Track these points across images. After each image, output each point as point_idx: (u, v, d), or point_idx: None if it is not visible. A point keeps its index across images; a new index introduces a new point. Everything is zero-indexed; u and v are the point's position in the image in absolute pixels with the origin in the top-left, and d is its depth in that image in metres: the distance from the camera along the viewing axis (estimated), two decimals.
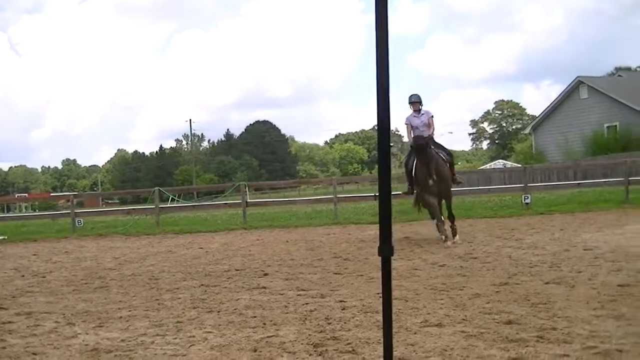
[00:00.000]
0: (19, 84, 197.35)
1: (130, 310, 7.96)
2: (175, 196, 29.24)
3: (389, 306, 3.46)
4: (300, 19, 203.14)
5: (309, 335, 6.09)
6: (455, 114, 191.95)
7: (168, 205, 27.31)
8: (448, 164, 14.55)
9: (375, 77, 3.41)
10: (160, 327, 6.88)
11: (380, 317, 6.07)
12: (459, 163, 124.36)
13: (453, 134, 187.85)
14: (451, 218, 14.38)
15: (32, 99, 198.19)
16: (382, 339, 3.74)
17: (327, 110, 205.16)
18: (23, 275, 12.31)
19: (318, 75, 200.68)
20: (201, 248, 15.98)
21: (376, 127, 3.44)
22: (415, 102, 14.86)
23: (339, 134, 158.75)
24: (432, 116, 14.93)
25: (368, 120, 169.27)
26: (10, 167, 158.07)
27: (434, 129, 14.87)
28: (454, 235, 14.05)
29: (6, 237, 23.90)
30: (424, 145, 13.86)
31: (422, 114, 14.78)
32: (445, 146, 15.45)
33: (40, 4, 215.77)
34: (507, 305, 6.94)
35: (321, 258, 12.28)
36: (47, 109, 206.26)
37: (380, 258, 3.53)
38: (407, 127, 15.05)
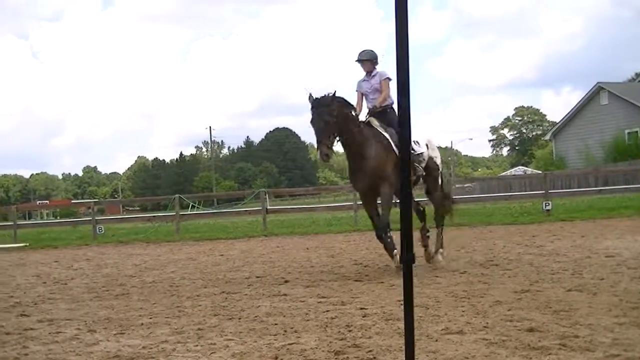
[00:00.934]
0: (40, 91, 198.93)
1: (151, 318, 7.98)
2: (195, 203, 29.35)
3: (411, 313, 3.46)
4: (319, 26, 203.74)
5: (330, 342, 6.07)
6: (474, 120, 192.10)
7: (188, 213, 27.43)
8: (396, 148, 10.46)
9: (395, 85, 3.41)
10: (181, 334, 6.89)
11: (401, 325, 6.06)
12: (479, 170, 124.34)
13: (473, 141, 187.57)
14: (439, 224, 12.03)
15: (53, 106, 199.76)
16: (403, 347, 3.73)
17: None
18: (44, 282, 12.39)
19: (337, 83, 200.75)
20: (221, 255, 16.01)
21: None
22: (364, 59, 11.40)
23: None
24: (388, 78, 11.21)
25: None
26: (32, 175, 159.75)
27: (387, 96, 11.21)
28: (436, 250, 11.63)
29: (28, 244, 24.08)
30: (318, 103, 10.22)
31: (374, 76, 11.32)
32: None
33: (61, 12, 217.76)
34: (528, 312, 6.90)
35: (342, 265, 12.27)
36: (68, 117, 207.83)
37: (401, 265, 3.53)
38: (357, 96, 11.50)
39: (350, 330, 6.54)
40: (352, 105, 10.80)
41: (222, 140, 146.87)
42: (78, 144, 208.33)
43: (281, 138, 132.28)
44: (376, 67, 11.38)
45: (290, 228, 23.76)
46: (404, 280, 3.42)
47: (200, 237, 22.76)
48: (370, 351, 5.67)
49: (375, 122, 10.96)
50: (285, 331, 6.70)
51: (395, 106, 10.97)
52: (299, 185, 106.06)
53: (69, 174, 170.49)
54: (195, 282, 11.20)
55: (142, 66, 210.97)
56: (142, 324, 7.61)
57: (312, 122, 10.30)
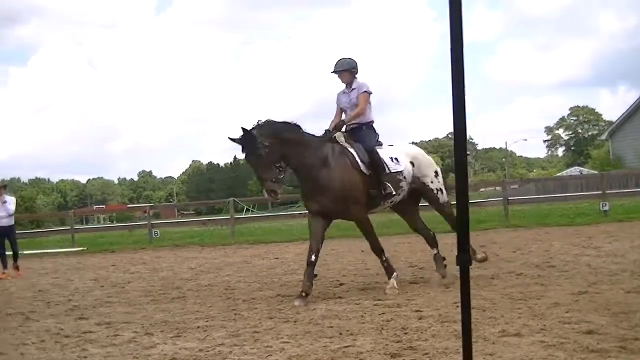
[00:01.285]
0: (95, 98, 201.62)
1: (207, 321, 8.05)
2: (250, 207, 29.46)
3: (468, 315, 3.43)
4: (372, 28, 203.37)
5: (386, 345, 6.06)
6: (529, 121, 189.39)
7: (243, 216, 27.56)
8: (362, 164, 9.65)
9: (450, 85, 3.39)
10: (237, 337, 6.94)
11: (457, 327, 6.03)
12: (534, 171, 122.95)
13: (528, 142, 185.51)
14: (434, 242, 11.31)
15: (109, 112, 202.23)
16: (460, 349, 3.70)
17: (399, 119, 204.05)
18: (102, 286, 12.57)
19: (390, 84, 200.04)
20: (277, 258, 16.07)
21: (451, 136, 3.44)
22: (341, 70, 10.07)
23: (412, 142, 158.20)
24: (366, 92, 10.04)
25: (441, 128, 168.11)
26: (89, 180, 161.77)
27: (363, 111, 10.02)
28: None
29: (85, 248, 24.46)
30: (242, 141, 9.16)
31: (353, 89, 10.08)
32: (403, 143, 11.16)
33: (116, 19, 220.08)
34: (587, 314, 6.80)
35: (397, 268, 12.18)
36: (123, 122, 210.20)
37: (456, 267, 3.51)
38: (336, 111, 10.36)
39: (406, 333, 6.52)
40: (290, 125, 9.53)
41: None
42: (133, 149, 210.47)
43: None
44: (356, 78, 10.17)
45: (344, 231, 23.60)
46: (461, 281, 3.39)
47: (255, 240, 22.87)
48: (426, 354, 5.64)
49: (341, 139, 9.84)
50: (341, 334, 6.71)
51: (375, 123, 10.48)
52: None
53: (125, 178, 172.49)
54: (250, 285, 11.26)
55: (194, 71, 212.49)
56: (198, 327, 7.68)
57: (246, 160, 9.43)
